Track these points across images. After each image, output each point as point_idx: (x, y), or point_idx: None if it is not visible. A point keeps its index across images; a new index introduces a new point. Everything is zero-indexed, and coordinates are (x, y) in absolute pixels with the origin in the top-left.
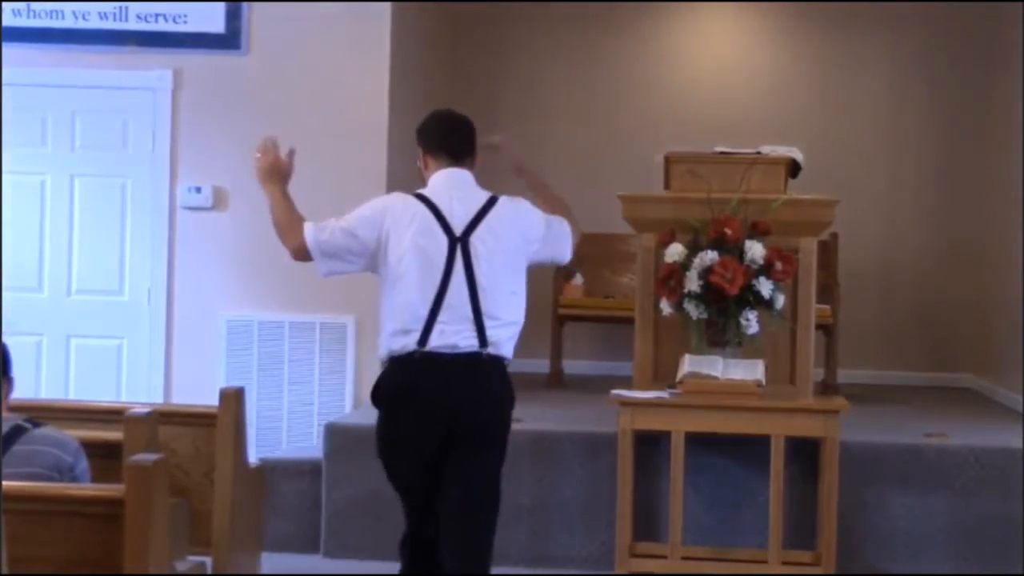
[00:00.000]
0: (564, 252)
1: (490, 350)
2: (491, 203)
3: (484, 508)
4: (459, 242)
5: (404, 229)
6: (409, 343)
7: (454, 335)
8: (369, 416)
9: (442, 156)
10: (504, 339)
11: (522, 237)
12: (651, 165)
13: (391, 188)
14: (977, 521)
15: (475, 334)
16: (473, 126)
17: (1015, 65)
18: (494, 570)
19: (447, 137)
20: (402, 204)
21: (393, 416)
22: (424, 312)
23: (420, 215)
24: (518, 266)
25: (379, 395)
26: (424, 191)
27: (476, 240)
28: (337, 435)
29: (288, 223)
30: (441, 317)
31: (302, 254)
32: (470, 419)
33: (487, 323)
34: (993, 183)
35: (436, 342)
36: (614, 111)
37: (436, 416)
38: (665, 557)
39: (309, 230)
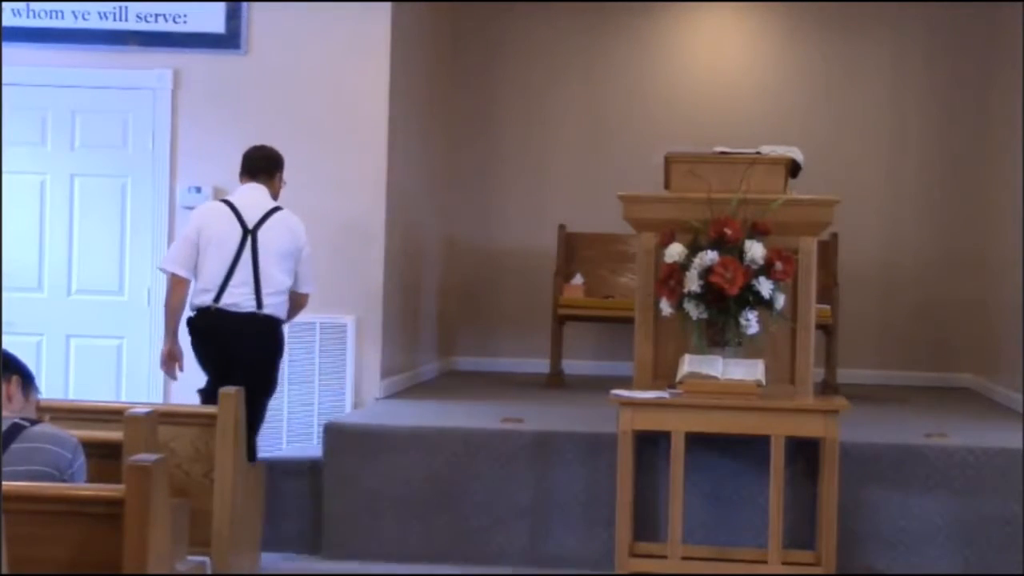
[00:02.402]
0: (300, 285)
1: (265, 311)
2: (275, 210)
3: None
4: (249, 232)
5: (212, 222)
6: (207, 299)
7: (239, 297)
8: (369, 417)
9: (246, 175)
10: (275, 304)
11: (292, 241)
12: (651, 165)
13: (391, 187)
14: (977, 521)
15: (254, 299)
16: (274, 158)
17: (1015, 65)
18: (494, 570)
19: (249, 162)
20: (213, 206)
21: (198, 345)
22: (218, 279)
23: (224, 212)
24: (286, 258)
25: (190, 331)
26: (229, 197)
27: (261, 232)
28: (337, 435)
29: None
30: (231, 285)
31: (177, 284)
32: (245, 355)
33: (263, 291)
34: (993, 183)
35: (225, 301)
36: (614, 111)
37: (222, 353)
38: (665, 557)
39: (167, 266)
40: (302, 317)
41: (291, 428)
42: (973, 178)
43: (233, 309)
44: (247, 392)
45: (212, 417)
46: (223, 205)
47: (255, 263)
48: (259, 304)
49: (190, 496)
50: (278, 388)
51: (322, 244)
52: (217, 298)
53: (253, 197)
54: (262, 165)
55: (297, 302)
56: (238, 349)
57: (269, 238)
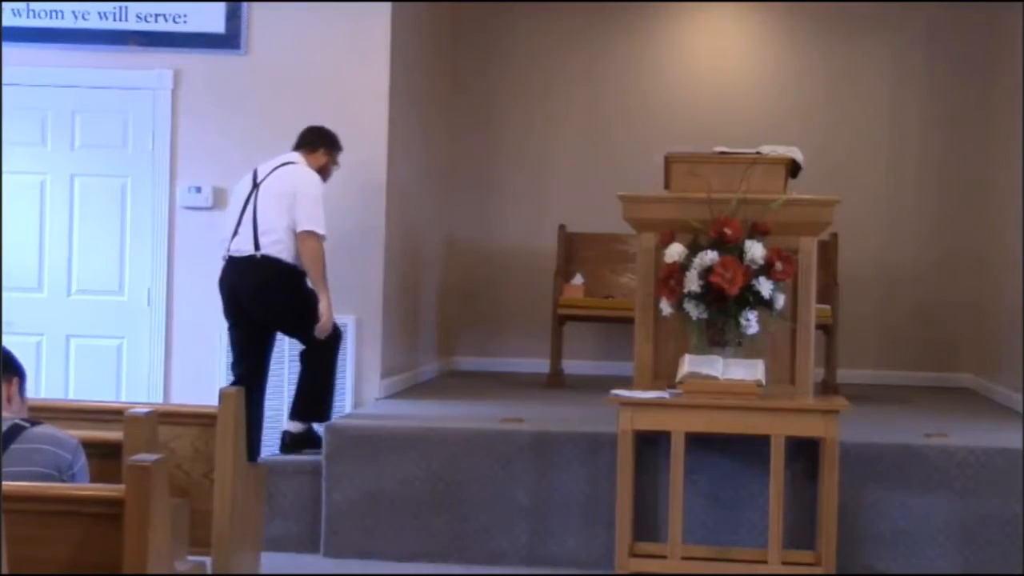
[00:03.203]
0: (298, 224)
1: (262, 251)
2: (283, 165)
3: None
4: (257, 185)
5: (238, 184)
6: (222, 251)
7: (241, 243)
8: (370, 417)
9: (293, 147)
10: (272, 245)
11: (289, 184)
12: (651, 165)
13: (391, 186)
14: (977, 521)
15: (251, 241)
16: (320, 133)
17: (1015, 65)
18: (494, 570)
19: (299, 135)
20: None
21: (221, 297)
22: (229, 232)
23: (244, 177)
24: (280, 199)
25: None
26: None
27: (263, 185)
28: (337, 435)
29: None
30: (238, 233)
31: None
32: (249, 300)
33: (259, 233)
34: (993, 183)
35: (232, 249)
36: (614, 111)
37: (234, 301)
38: (665, 557)
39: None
40: None
41: None
42: (973, 178)
43: (237, 255)
44: (264, 333)
45: (212, 417)
46: (252, 170)
47: (255, 209)
48: (256, 246)
49: (190, 496)
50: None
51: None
52: (228, 248)
53: (277, 159)
54: (307, 138)
55: (301, 243)
56: (242, 292)
57: (269, 185)
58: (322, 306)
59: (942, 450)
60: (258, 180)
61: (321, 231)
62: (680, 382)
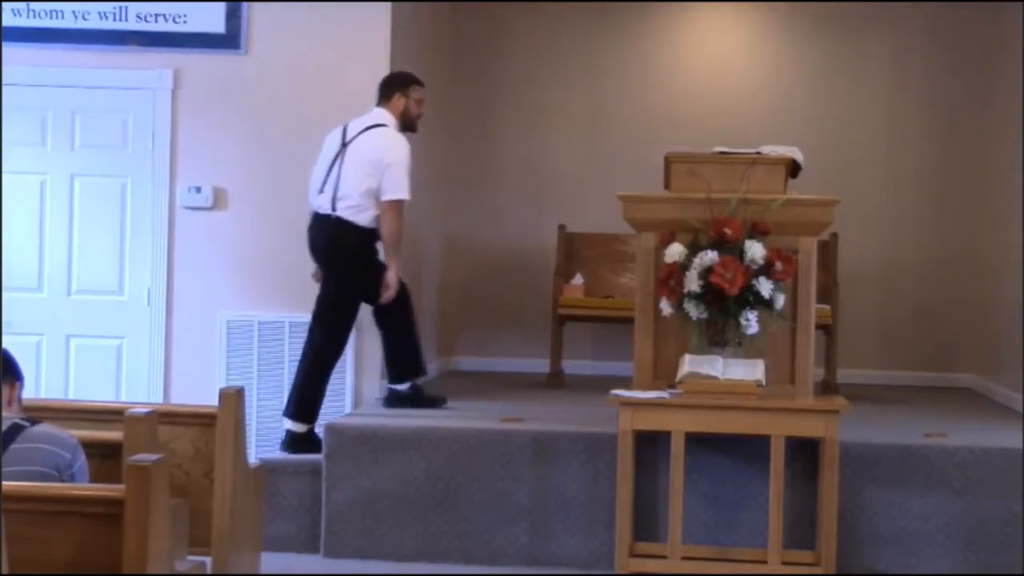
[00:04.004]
0: (382, 192)
1: (336, 213)
2: (369, 128)
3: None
4: (344, 144)
5: (326, 141)
6: (311, 207)
7: (322, 201)
8: (369, 417)
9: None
10: (348, 208)
11: (375, 151)
12: (651, 165)
13: None
14: (977, 521)
15: (330, 201)
16: (388, 81)
17: (1015, 65)
18: (494, 570)
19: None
20: (334, 129)
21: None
22: (317, 187)
23: (336, 131)
24: (364, 165)
25: None
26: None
27: (351, 147)
28: (337, 435)
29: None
30: (323, 191)
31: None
32: (320, 257)
33: (338, 195)
34: (993, 183)
35: (315, 205)
36: (614, 111)
37: (312, 250)
38: (665, 557)
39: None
40: (302, 317)
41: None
42: (974, 178)
43: (319, 211)
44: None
45: (212, 417)
46: (340, 126)
47: (339, 170)
48: (332, 207)
49: (190, 496)
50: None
51: None
52: (314, 203)
53: (366, 118)
54: (380, 91)
55: (384, 212)
56: (316, 248)
57: (355, 148)
58: (390, 275)
59: (942, 450)
60: (347, 140)
61: (406, 198)
62: (680, 382)
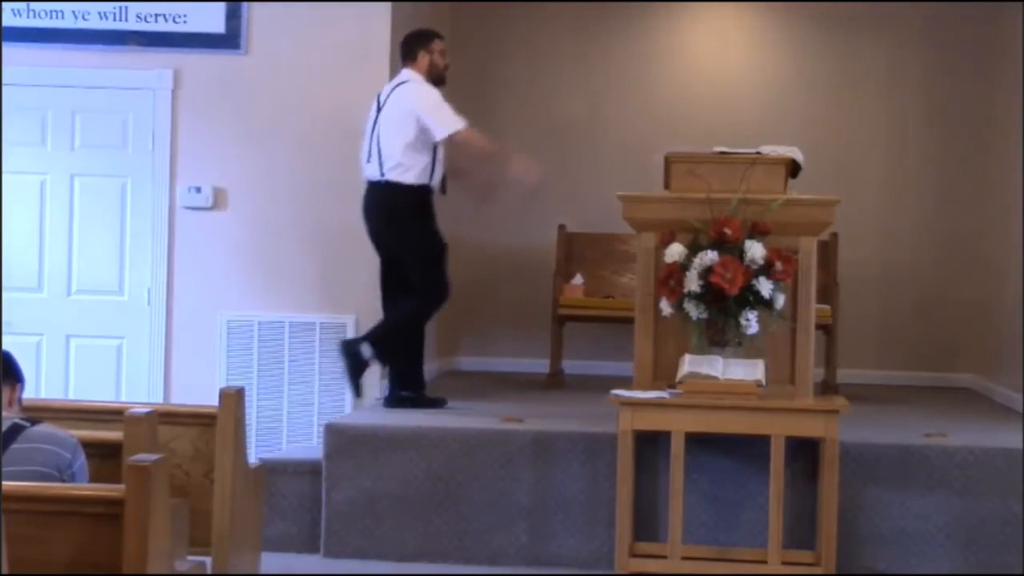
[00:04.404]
0: (432, 134)
1: (386, 177)
2: (397, 86)
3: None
4: (379, 109)
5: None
6: (363, 178)
7: (370, 169)
8: (370, 417)
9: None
10: (396, 168)
11: (405, 103)
12: (651, 165)
13: None
14: (977, 521)
15: (378, 166)
16: (408, 41)
17: (1015, 65)
18: (494, 570)
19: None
20: None
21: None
22: (365, 158)
23: (373, 103)
24: (399, 119)
25: None
26: None
27: (384, 109)
28: (337, 435)
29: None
30: (369, 160)
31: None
32: (373, 221)
33: (383, 158)
34: (993, 183)
35: (365, 175)
36: (614, 111)
37: (367, 220)
38: (665, 557)
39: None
40: (301, 317)
41: (291, 428)
42: (973, 177)
43: (369, 179)
44: (396, 260)
45: (212, 417)
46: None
47: (378, 135)
48: (381, 171)
49: (190, 496)
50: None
51: (322, 244)
52: (364, 173)
53: (394, 80)
54: (403, 52)
55: (455, 149)
56: (369, 216)
57: (388, 109)
58: (516, 162)
59: (942, 450)
60: (381, 104)
61: (460, 126)
62: (680, 382)
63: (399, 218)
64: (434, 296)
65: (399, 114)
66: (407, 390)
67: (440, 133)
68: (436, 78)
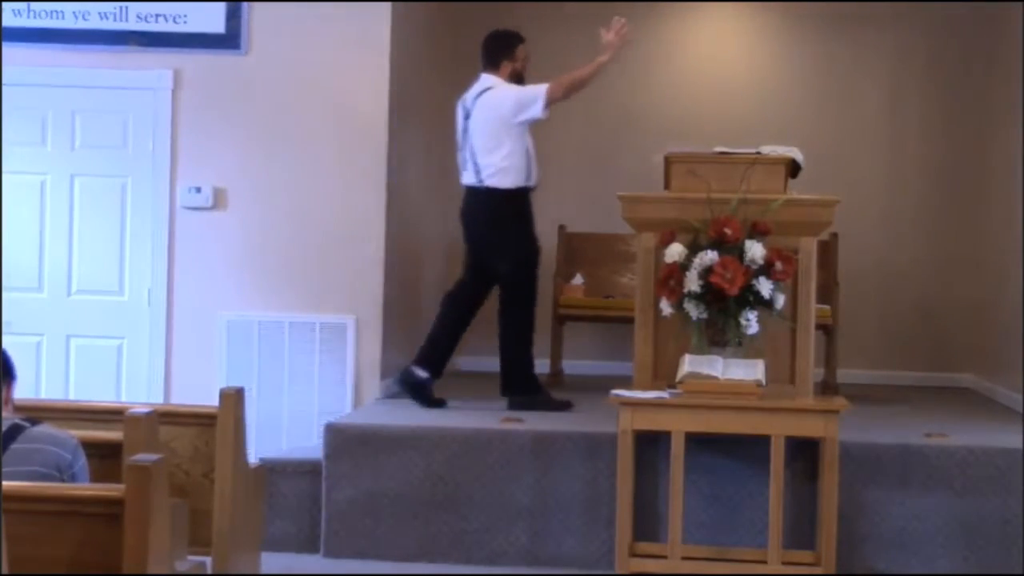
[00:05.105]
0: (535, 112)
1: (485, 183)
2: (483, 92)
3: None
4: (467, 116)
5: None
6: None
7: (467, 176)
8: (369, 417)
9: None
10: (495, 173)
11: (495, 108)
12: (651, 165)
13: (391, 187)
14: (977, 521)
15: (475, 173)
16: (491, 48)
17: (1015, 65)
18: (495, 570)
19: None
20: None
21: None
22: (462, 167)
23: (458, 109)
24: (492, 124)
25: None
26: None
27: (473, 115)
28: (337, 435)
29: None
30: (466, 168)
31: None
32: (471, 228)
33: (480, 165)
34: (993, 182)
35: (463, 181)
36: (614, 111)
37: (465, 224)
38: (665, 557)
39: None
40: (302, 317)
41: (291, 428)
42: (973, 177)
43: (466, 184)
44: (487, 266)
45: (212, 417)
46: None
47: (471, 143)
48: (479, 178)
49: (190, 496)
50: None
51: (322, 243)
52: (463, 182)
53: (477, 86)
54: (486, 58)
55: (571, 94)
56: (468, 223)
57: (477, 115)
58: (605, 47)
59: (942, 450)
60: (468, 110)
61: (544, 91)
62: (680, 382)
63: (501, 223)
64: (530, 298)
65: (492, 117)
66: (425, 369)
67: (532, 110)
68: (517, 81)
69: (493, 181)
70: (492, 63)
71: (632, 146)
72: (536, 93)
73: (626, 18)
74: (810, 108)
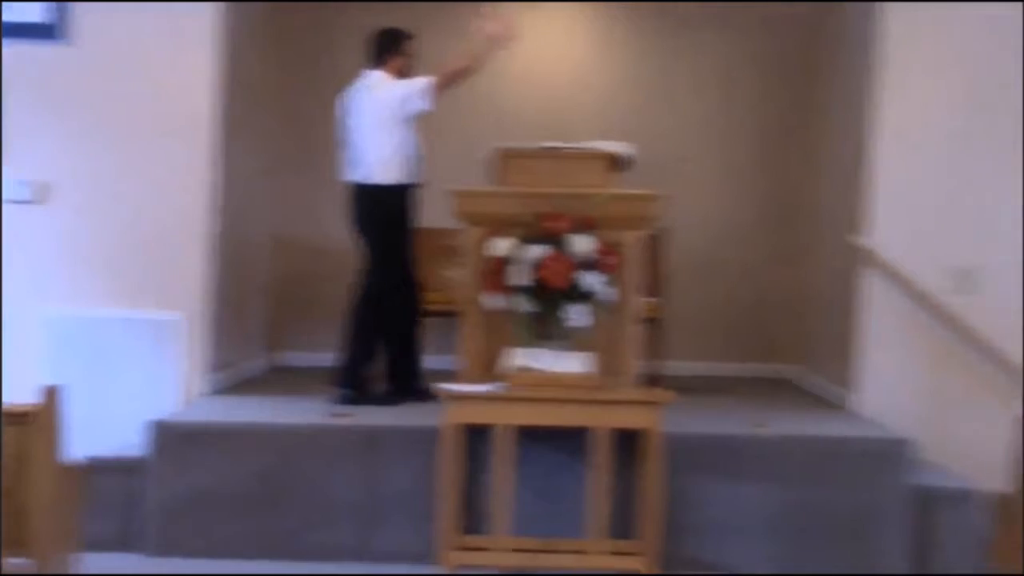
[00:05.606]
0: (422, 103)
1: (372, 179)
2: (369, 87)
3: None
4: (351, 111)
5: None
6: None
7: (352, 170)
8: (197, 414)
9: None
10: (380, 170)
11: (379, 101)
12: (477, 161)
13: (215, 181)
14: (798, 509)
15: (361, 169)
16: (379, 44)
17: (835, 61)
18: (323, 566)
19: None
20: None
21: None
22: (348, 162)
23: (339, 104)
24: (383, 125)
25: None
26: None
27: (356, 111)
28: (164, 432)
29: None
30: (350, 162)
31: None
32: (356, 222)
33: (368, 161)
34: (815, 182)
35: (349, 176)
36: (443, 107)
37: (352, 219)
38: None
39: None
40: (129, 314)
41: (117, 426)
42: (798, 177)
43: (353, 182)
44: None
45: (29, 415)
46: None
47: (357, 139)
48: (364, 174)
49: (9, 496)
50: (104, 386)
51: (148, 239)
52: (349, 177)
53: (361, 82)
54: (373, 54)
55: (455, 84)
56: (357, 220)
57: (365, 109)
58: (485, 35)
59: (765, 440)
60: (352, 106)
61: (427, 83)
62: (507, 375)
63: (384, 218)
64: (379, 299)
65: (379, 114)
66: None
67: (423, 102)
68: (403, 77)
69: (380, 177)
70: (379, 59)
71: (459, 142)
72: (422, 85)
73: (463, 14)
74: (641, 105)
